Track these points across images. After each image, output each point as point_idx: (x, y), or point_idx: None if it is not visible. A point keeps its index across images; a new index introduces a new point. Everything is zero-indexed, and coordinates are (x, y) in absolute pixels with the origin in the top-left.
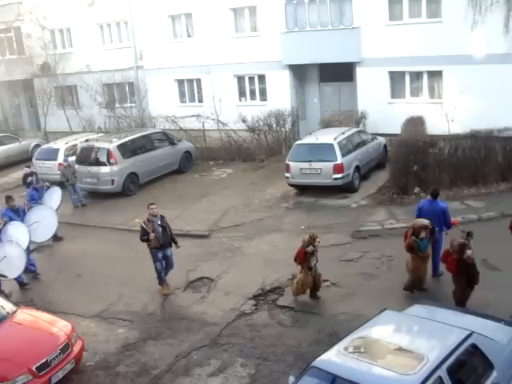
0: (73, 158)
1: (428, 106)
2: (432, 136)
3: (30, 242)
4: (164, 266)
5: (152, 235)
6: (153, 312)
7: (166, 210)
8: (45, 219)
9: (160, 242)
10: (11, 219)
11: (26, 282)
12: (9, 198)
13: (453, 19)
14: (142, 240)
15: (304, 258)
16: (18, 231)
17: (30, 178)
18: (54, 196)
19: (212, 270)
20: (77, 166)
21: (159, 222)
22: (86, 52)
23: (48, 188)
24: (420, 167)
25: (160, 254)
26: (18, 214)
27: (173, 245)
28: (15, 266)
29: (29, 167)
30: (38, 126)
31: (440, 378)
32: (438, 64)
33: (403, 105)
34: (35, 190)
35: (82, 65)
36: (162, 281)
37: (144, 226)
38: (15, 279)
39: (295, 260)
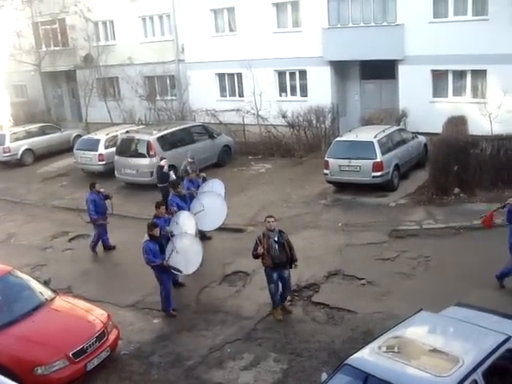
0: (113, 149)
1: (471, 105)
2: (474, 136)
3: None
4: (280, 287)
5: (260, 249)
6: (188, 304)
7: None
8: (212, 207)
9: (275, 260)
10: (178, 206)
11: (182, 282)
12: (177, 184)
13: (499, 17)
14: (253, 256)
15: None
16: (187, 221)
17: (164, 169)
18: (217, 186)
19: (248, 265)
20: (116, 158)
21: (276, 238)
22: (129, 44)
23: (204, 180)
24: (461, 167)
25: (275, 275)
26: (185, 200)
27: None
28: (191, 260)
29: (165, 159)
30: (80, 117)
31: (475, 381)
32: (482, 63)
33: (445, 104)
34: (190, 181)
35: (124, 57)
36: (275, 304)
37: (258, 241)
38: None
39: None
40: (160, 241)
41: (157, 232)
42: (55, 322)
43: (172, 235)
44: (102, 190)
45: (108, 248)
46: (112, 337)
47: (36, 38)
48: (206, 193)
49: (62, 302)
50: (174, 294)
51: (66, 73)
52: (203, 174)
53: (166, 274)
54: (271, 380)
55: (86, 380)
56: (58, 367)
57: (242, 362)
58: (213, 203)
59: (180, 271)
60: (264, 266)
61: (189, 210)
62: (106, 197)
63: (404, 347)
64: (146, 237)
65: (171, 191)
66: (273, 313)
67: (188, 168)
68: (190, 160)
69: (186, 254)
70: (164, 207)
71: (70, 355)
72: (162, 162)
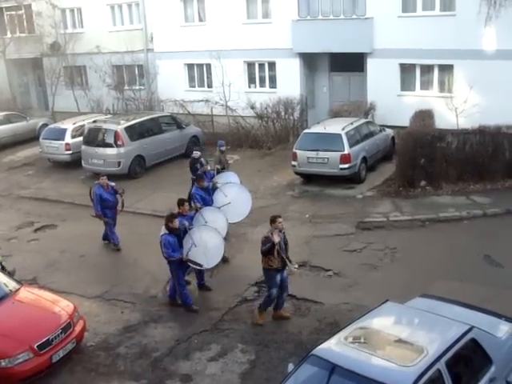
0: (79, 139)
1: (437, 99)
2: (440, 130)
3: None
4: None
5: (277, 239)
6: (155, 295)
7: (172, 194)
8: (236, 198)
9: (283, 261)
10: (203, 198)
11: (209, 285)
12: (201, 177)
13: (466, 13)
14: (264, 252)
15: None
16: (214, 216)
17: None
18: (232, 178)
19: None
20: (83, 147)
21: (282, 238)
22: (97, 33)
23: (218, 172)
24: (427, 161)
25: (278, 277)
26: (208, 192)
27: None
28: (212, 254)
29: (198, 151)
30: (46, 106)
31: (439, 370)
32: (449, 58)
33: (412, 97)
34: (204, 174)
35: (92, 45)
36: (265, 306)
37: (265, 240)
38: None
39: None
40: (179, 234)
41: (176, 224)
42: (20, 314)
43: (190, 228)
44: (112, 184)
45: (110, 243)
46: (78, 328)
47: (1, 23)
48: (228, 184)
49: (27, 294)
50: (144, 286)
51: (33, 60)
52: (218, 166)
53: (182, 269)
54: (238, 371)
55: (51, 372)
56: (22, 359)
57: (209, 353)
58: (237, 194)
59: (200, 265)
60: (266, 268)
61: (212, 202)
62: (116, 191)
63: (370, 338)
64: (164, 230)
65: (195, 184)
66: (254, 317)
67: (221, 158)
68: (222, 149)
69: (206, 247)
70: (187, 204)
71: (35, 347)
72: (195, 154)
